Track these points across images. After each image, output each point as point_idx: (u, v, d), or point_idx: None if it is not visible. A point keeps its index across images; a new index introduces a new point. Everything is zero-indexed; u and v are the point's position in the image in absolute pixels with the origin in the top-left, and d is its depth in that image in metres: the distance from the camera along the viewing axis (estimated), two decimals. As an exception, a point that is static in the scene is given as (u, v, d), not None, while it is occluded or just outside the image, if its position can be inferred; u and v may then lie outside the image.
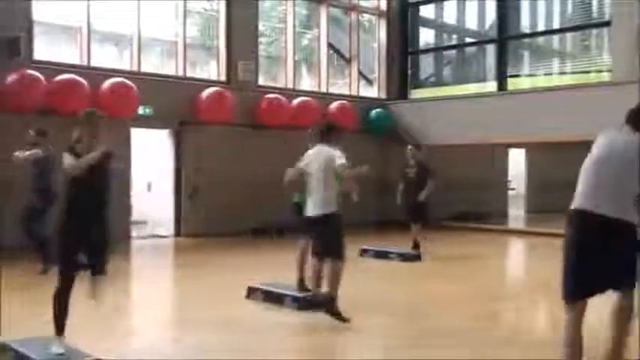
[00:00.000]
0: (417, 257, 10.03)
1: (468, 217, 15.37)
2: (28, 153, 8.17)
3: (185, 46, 13.13)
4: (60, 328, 4.51)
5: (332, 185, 5.85)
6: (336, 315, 5.77)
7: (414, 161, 10.43)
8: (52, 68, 11.03)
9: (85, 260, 4.55)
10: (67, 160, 4.41)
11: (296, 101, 13.92)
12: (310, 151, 6.04)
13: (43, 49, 11.60)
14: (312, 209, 5.90)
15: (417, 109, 15.67)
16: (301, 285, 6.72)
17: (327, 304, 5.82)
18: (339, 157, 5.76)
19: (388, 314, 6.38)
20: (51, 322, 4.55)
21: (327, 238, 5.87)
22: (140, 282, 8.89)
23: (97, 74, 11.45)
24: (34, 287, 7.14)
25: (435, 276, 8.97)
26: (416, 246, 10.29)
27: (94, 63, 11.85)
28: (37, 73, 10.60)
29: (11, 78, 10.42)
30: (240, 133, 13.24)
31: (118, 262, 8.55)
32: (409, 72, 16.73)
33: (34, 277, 7.78)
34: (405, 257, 9.97)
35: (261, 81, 14.13)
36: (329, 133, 5.99)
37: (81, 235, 4.47)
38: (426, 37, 17.66)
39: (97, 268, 4.57)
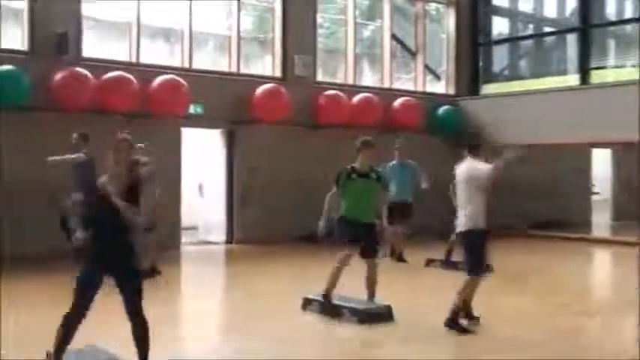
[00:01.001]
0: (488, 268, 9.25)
1: (547, 225, 14.86)
2: (74, 156, 8.55)
3: (239, 40, 12.95)
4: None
5: (475, 202, 6.07)
6: (458, 327, 5.98)
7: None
8: (100, 65, 11.02)
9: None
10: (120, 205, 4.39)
11: (357, 98, 13.52)
12: (458, 168, 6.28)
13: (92, 46, 11.60)
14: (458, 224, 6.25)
15: (490, 106, 15.20)
16: (326, 297, 6.65)
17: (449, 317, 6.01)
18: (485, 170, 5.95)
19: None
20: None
21: (464, 253, 6.29)
22: (190, 291, 8.98)
23: (146, 71, 11.42)
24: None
25: (511, 288, 8.73)
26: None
27: (143, 59, 11.86)
28: (85, 71, 10.59)
29: (59, 76, 10.35)
30: (297, 133, 12.91)
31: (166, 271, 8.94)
32: (480, 65, 16.32)
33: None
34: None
35: (319, 76, 13.90)
36: (471, 145, 6.21)
37: (103, 254, 4.46)
38: (500, 26, 17.24)
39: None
